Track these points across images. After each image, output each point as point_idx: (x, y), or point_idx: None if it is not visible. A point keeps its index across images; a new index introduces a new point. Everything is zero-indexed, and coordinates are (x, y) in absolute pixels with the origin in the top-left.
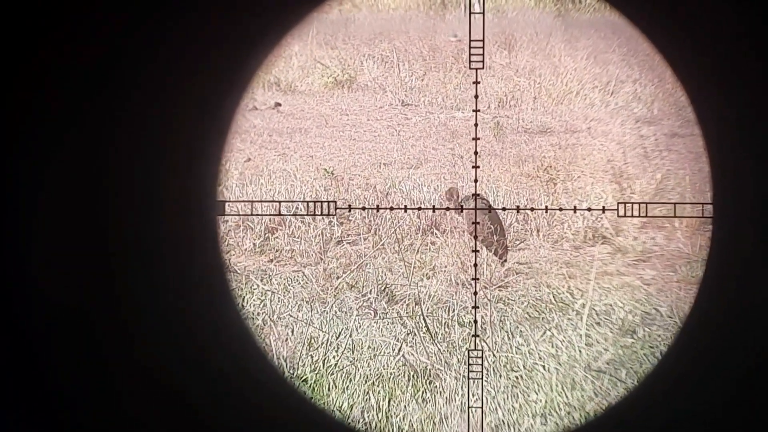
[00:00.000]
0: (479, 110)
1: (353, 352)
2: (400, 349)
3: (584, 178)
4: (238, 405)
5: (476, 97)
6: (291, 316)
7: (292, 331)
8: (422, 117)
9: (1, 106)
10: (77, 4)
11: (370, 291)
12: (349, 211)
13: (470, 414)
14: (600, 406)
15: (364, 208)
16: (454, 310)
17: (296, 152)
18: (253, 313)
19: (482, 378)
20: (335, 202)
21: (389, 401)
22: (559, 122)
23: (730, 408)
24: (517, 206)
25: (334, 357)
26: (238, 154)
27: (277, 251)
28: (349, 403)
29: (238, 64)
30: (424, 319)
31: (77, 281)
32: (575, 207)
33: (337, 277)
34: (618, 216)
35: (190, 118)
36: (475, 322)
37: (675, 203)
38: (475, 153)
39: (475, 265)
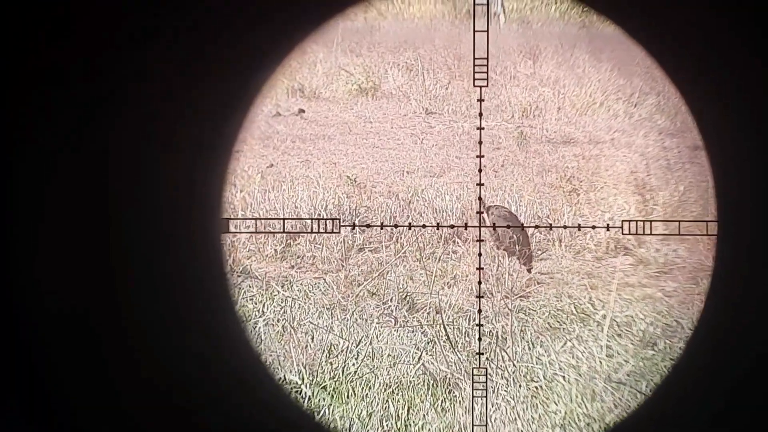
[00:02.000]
0: (484, 128)
1: (373, 360)
2: (420, 358)
3: (607, 189)
4: (242, 422)
5: (480, 115)
6: (311, 323)
7: (312, 338)
8: (446, 126)
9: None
10: (81, 18)
11: (391, 299)
12: (353, 228)
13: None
14: (618, 418)
15: (368, 225)
16: (474, 319)
17: (319, 159)
18: (273, 320)
19: (486, 396)
20: (339, 219)
21: (408, 410)
22: (582, 133)
23: (733, 419)
24: (522, 224)
25: (353, 364)
26: (260, 159)
27: (298, 257)
28: (368, 411)
29: (243, 83)
30: (444, 327)
31: (81, 298)
32: (579, 225)
33: (358, 285)
34: (623, 234)
35: (194, 136)
36: (479, 339)
37: (678, 221)
38: (479, 171)
39: (480, 282)
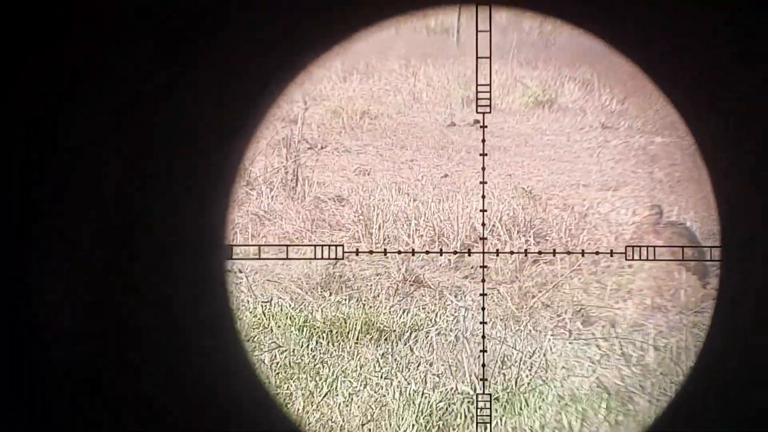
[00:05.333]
0: (486, 154)
1: (546, 372)
2: (594, 371)
3: None
4: None
5: (483, 141)
6: (484, 334)
7: (485, 349)
8: (622, 140)
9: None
10: (82, 45)
11: (566, 311)
12: (357, 254)
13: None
14: None
15: (371, 252)
16: (649, 334)
17: (495, 170)
18: (446, 329)
19: (490, 423)
20: (342, 245)
21: (581, 422)
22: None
23: None
24: (525, 249)
25: (527, 376)
26: (434, 170)
27: (472, 268)
28: (540, 423)
29: (247, 110)
30: (619, 341)
31: (81, 327)
32: (583, 251)
33: (533, 297)
34: (626, 259)
35: (198, 162)
36: (483, 366)
37: (682, 246)
38: (483, 197)
39: (483, 308)
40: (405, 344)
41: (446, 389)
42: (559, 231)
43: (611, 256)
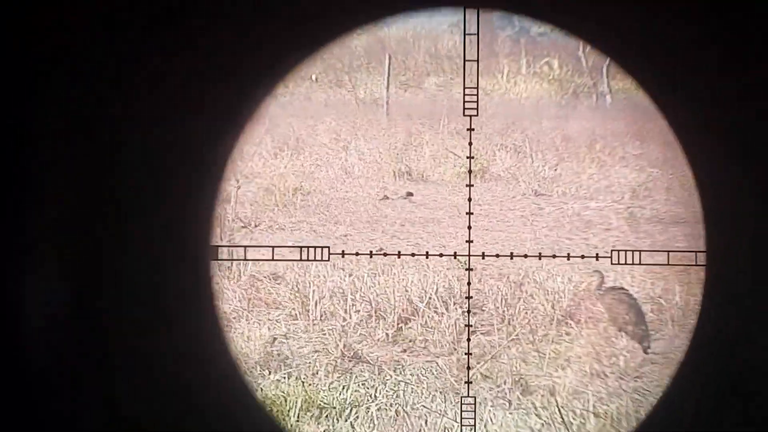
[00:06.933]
0: (473, 157)
1: None
2: None
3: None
4: None
5: (470, 144)
6: (424, 406)
7: (426, 422)
8: (556, 207)
9: None
10: (75, 38)
11: (504, 381)
12: (343, 256)
13: None
14: None
15: (357, 254)
16: (589, 401)
17: (429, 242)
18: (386, 404)
19: (474, 426)
20: (328, 247)
21: None
22: (692, 213)
23: None
24: (511, 253)
25: None
26: (369, 243)
27: (410, 341)
28: None
29: (233, 109)
30: (559, 409)
31: (65, 324)
32: (569, 254)
33: (471, 368)
34: (612, 263)
35: (183, 163)
36: (469, 371)
37: (668, 251)
38: (469, 212)
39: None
40: (346, 421)
41: None
42: (495, 301)
43: (597, 260)
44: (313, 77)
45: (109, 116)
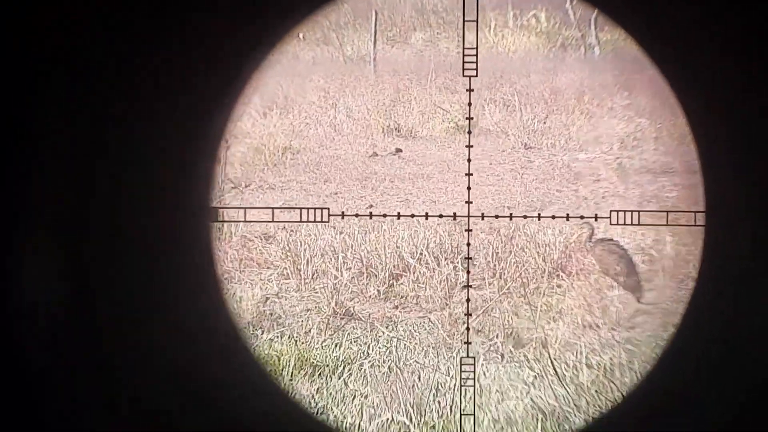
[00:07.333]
0: (473, 117)
1: (481, 397)
2: (528, 393)
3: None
4: (228, 410)
5: (470, 104)
6: (417, 362)
7: (419, 377)
8: (545, 159)
9: None
10: (70, 21)
11: (497, 335)
12: (342, 218)
13: (463, 420)
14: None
15: (357, 215)
16: (581, 353)
17: (419, 198)
18: (378, 360)
19: (474, 385)
20: (328, 209)
21: None
22: (680, 162)
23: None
24: (510, 213)
25: (462, 401)
26: (359, 201)
27: (402, 297)
28: None
29: (232, 72)
30: (551, 362)
31: (66, 289)
32: (568, 215)
33: (463, 323)
34: (610, 224)
35: (182, 125)
36: (468, 329)
37: (667, 211)
38: (468, 160)
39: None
40: (339, 378)
41: (382, 421)
42: (486, 255)
43: (596, 220)
44: (300, 35)
45: (106, 85)
